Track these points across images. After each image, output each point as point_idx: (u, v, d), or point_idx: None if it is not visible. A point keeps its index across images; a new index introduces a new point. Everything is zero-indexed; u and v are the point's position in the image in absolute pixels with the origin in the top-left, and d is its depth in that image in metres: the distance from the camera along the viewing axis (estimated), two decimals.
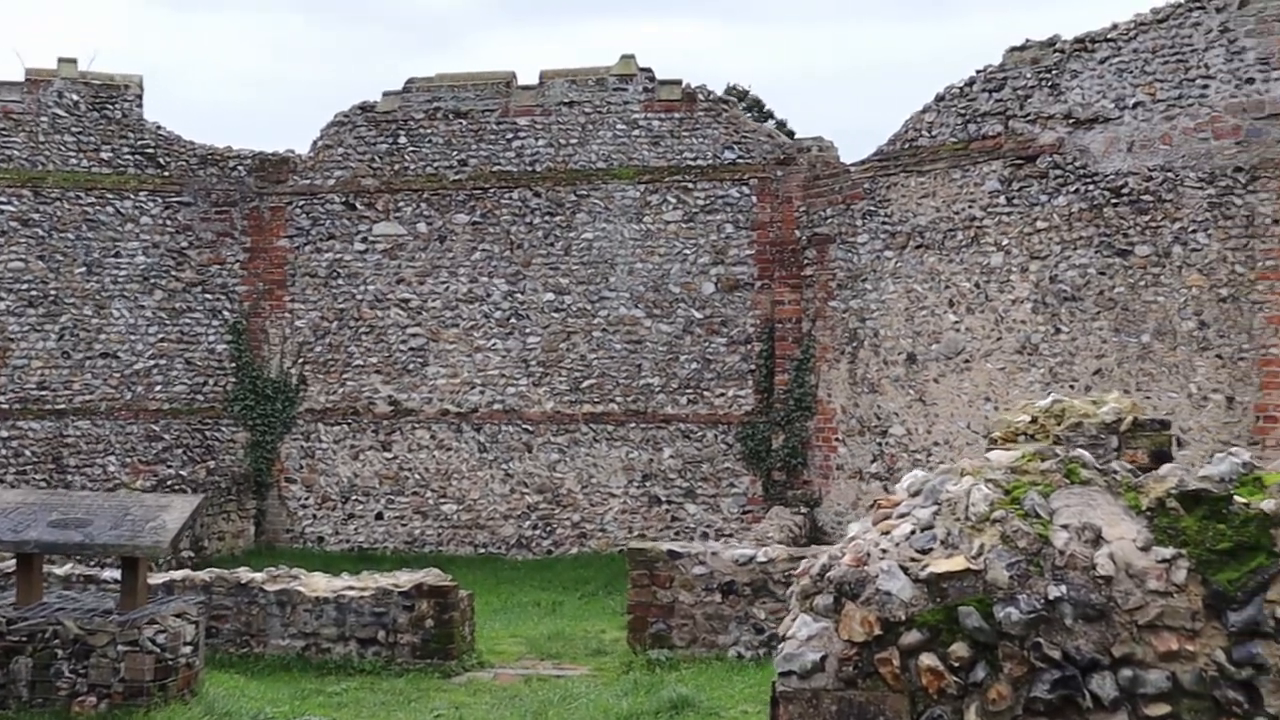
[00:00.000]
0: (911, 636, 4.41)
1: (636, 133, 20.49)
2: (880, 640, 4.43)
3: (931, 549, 4.56)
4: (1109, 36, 16.16)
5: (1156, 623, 4.33)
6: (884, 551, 4.59)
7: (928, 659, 4.38)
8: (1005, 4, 60.30)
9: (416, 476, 20.98)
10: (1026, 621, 4.32)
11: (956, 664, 4.36)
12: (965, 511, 4.61)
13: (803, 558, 11.84)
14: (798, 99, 47.44)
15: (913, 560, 4.53)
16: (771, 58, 54.81)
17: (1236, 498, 4.47)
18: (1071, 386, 16.24)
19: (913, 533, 4.64)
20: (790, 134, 20.96)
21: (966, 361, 17.26)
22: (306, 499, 21.34)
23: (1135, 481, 4.65)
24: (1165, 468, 4.71)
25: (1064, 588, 4.35)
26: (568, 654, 12.79)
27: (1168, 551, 4.39)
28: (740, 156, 20.16)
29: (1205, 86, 15.56)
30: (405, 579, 12.20)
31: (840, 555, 4.68)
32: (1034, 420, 10.20)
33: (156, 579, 12.13)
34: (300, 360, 21.43)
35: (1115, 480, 4.66)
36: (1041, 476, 4.70)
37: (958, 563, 4.47)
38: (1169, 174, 15.67)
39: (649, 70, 20.55)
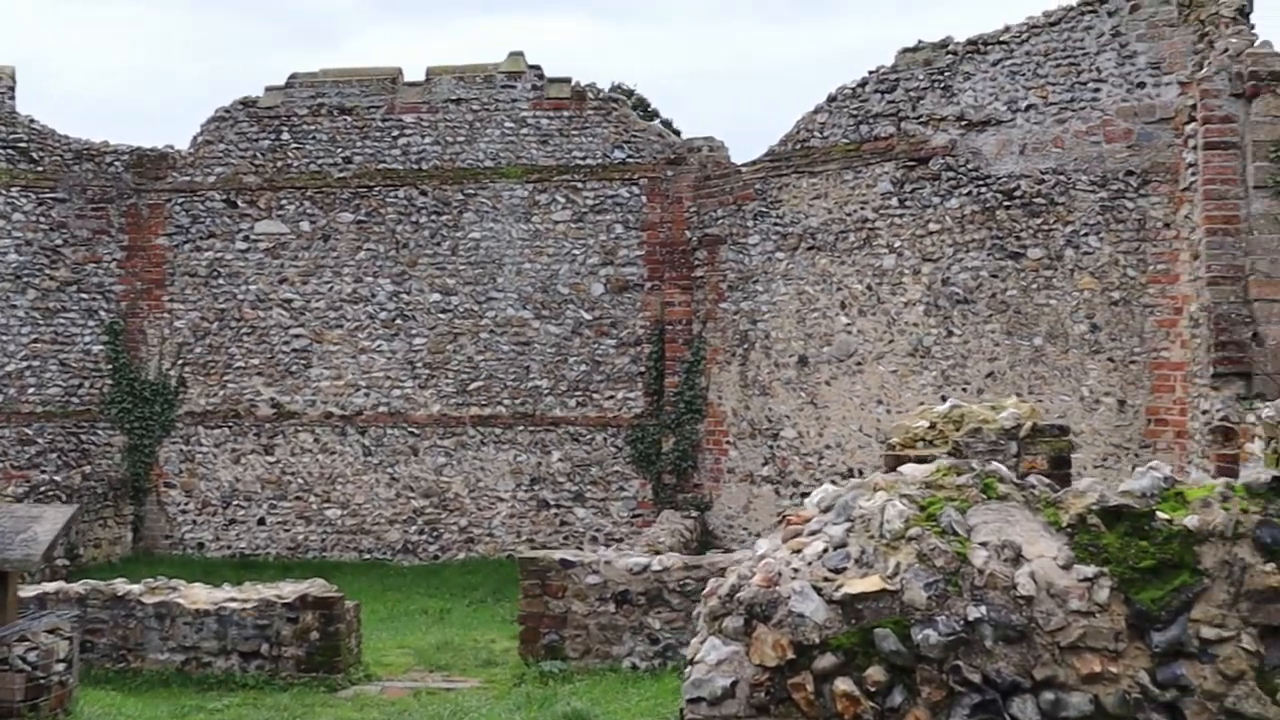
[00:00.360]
0: (826, 660, 4.26)
1: (525, 131, 20.24)
2: (793, 665, 4.28)
3: (845, 568, 4.40)
4: (1001, 39, 16.20)
5: (1079, 644, 4.21)
6: (796, 571, 4.43)
7: (843, 684, 4.23)
8: (880, 8, 60.75)
9: (300, 481, 20.58)
10: (945, 644, 4.18)
11: (873, 689, 4.21)
12: (880, 529, 4.45)
13: (698, 566, 11.72)
14: (682, 99, 47.42)
15: (826, 580, 4.37)
16: (654, 57, 54.76)
17: (1159, 513, 4.37)
18: (964, 389, 16.25)
19: (825, 551, 4.48)
20: (678, 134, 20.78)
21: (858, 364, 17.22)
22: (186, 504, 20.85)
23: (1054, 497, 4.52)
24: (1084, 482, 4.59)
25: (984, 608, 4.21)
26: (457, 665, 12.52)
27: (1089, 570, 4.27)
28: (630, 156, 19.98)
29: (1097, 90, 15.64)
30: (289, 590, 11.87)
31: (750, 575, 4.51)
32: (933, 426, 10.12)
33: (27, 592, 11.68)
34: (180, 362, 20.94)
35: (1033, 495, 4.53)
36: (957, 491, 4.55)
37: (873, 583, 4.32)
38: (1061, 177, 15.73)
39: (538, 68, 20.32)
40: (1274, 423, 10.50)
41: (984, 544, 4.35)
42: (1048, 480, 4.66)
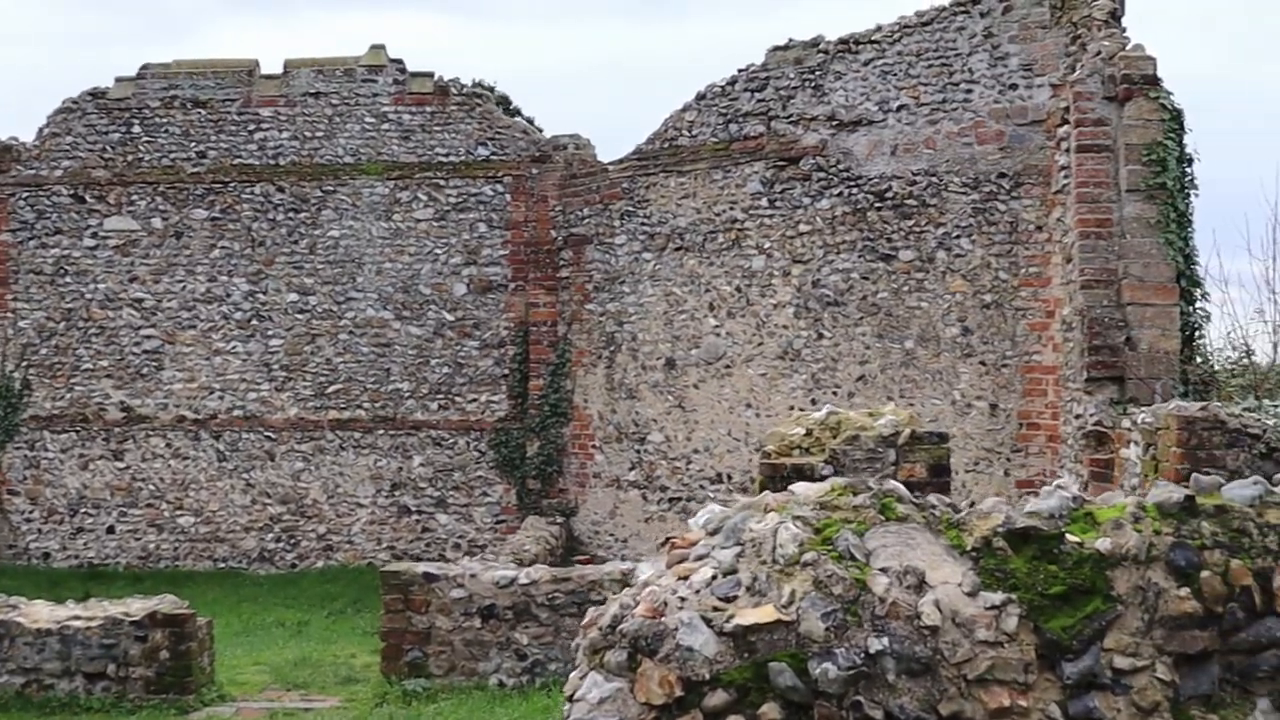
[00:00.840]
0: (717, 698, 3.96)
1: (386, 126, 19.78)
2: (682, 702, 3.97)
3: (736, 596, 4.10)
4: (873, 38, 16.08)
5: (987, 676, 3.96)
6: (683, 600, 4.12)
7: None
8: (746, 6, 60.76)
9: (151, 487, 19.91)
10: (845, 678, 3.91)
11: None
12: (772, 553, 4.16)
13: (567, 579, 11.39)
14: (542, 98, 46.95)
15: (716, 610, 4.07)
16: (512, 55, 54.23)
17: (1069, 536, 4.13)
18: (834, 393, 16.11)
19: (714, 578, 4.18)
20: (541, 132, 20.41)
21: (727, 367, 17.01)
22: (31, 512, 20.08)
23: (957, 518, 4.27)
24: (989, 501, 4.34)
25: (886, 640, 3.95)
26: (316, 683, 12.06)
27: (997, 597, 4.02)
28: (494, 153, 19.60)
29: (969, 91, 15.59)
30: (137, 607, 11.33)
31: (633, 604, 4.19)
32: (809, 433, 9.88)
33: None
34: (24, 364, 20.17)
35: (935, 516, 4.27)
36: (854, 513, 4.27)
37: (767, 613, 4.02)
38: (933, 178, 15.65)
39: (400, 61, 19.86)
40: (1151, 428, 10.42)
41: (885, 570, 4.08)
42: (948, 500, 4.41)
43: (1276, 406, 10.35)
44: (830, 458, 9.52)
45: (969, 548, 4.14)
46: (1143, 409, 11.49)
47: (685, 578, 4.23)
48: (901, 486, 4.41)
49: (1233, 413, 9.88)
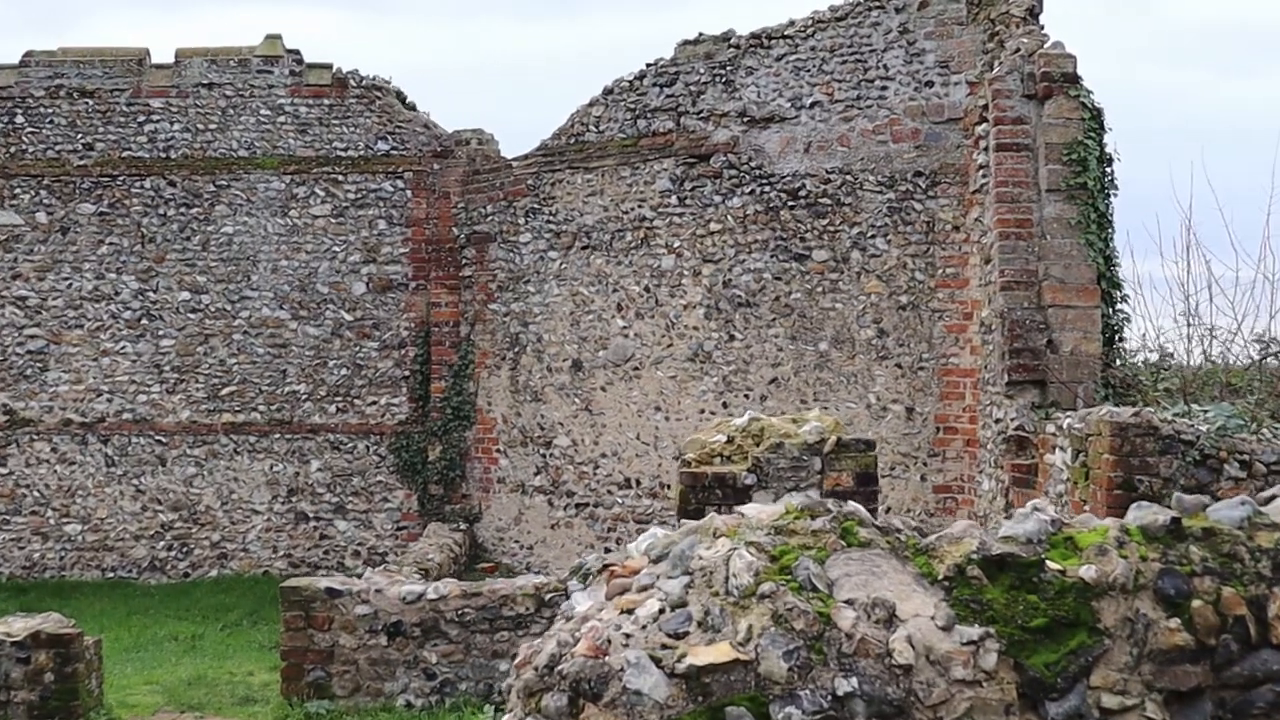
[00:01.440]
0: None
1: (282, 119, 19.24)
2: None
3: (687, 633, 3.73)
4: (786, 33, 15.82)
5: (965, 719, 3.62)
6: (628, 637, 3.74)
7: None
8: (634, 6, 60.46)
9: (35, 494, 19.21)
10: None
11: None
12: (725, 584, 3.80)
13: (478, 594, 10.96)
14: (440, 95, 46.28)
15: (665, 648, 3.69)
16: (410, 51, 53.53)
17: (1049, 563, 3.81)
18: (746, 396, 15.84)
19: (662, 612, 3.80)
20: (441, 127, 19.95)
21: (635, 369, 16.68)
22: None
23: (925, 544, 3.93)
24: (959, 525, 4.00)
25: (855, 680, 3.59)
26: (212, 704, 11.54)
27: (974, 631, 3.68)
28: (395, 148, 19.13)
29: (884, 88, 15.39)
30: (19, 626, 10.72)
31: (573, 641, 3.81)
32: (730, 440, 9.56)
33: None
34: None
35: (900, 541, 3.93)
36: (813, 538, 3.92)
37: (723, 651, 3.66)
38: (847, 176, 15.42)
39: (296, 52, 19.33)
40: (1081, 434, 10.19)
41: (850, 602, 3.73)
42: (914, 524, 4.07)
43: (1207, 412, 10.16)
44: (754, 466, 9.21)
45: (940, 576, 3.81)
46: (1068, 413, 11.29)
47: (629, 611, 3.86)
48: (862, 509, 4.07)
49: (1165, 419, 9.68)
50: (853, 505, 4.11)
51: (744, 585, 3.77)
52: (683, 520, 8.92)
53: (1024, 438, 12.81)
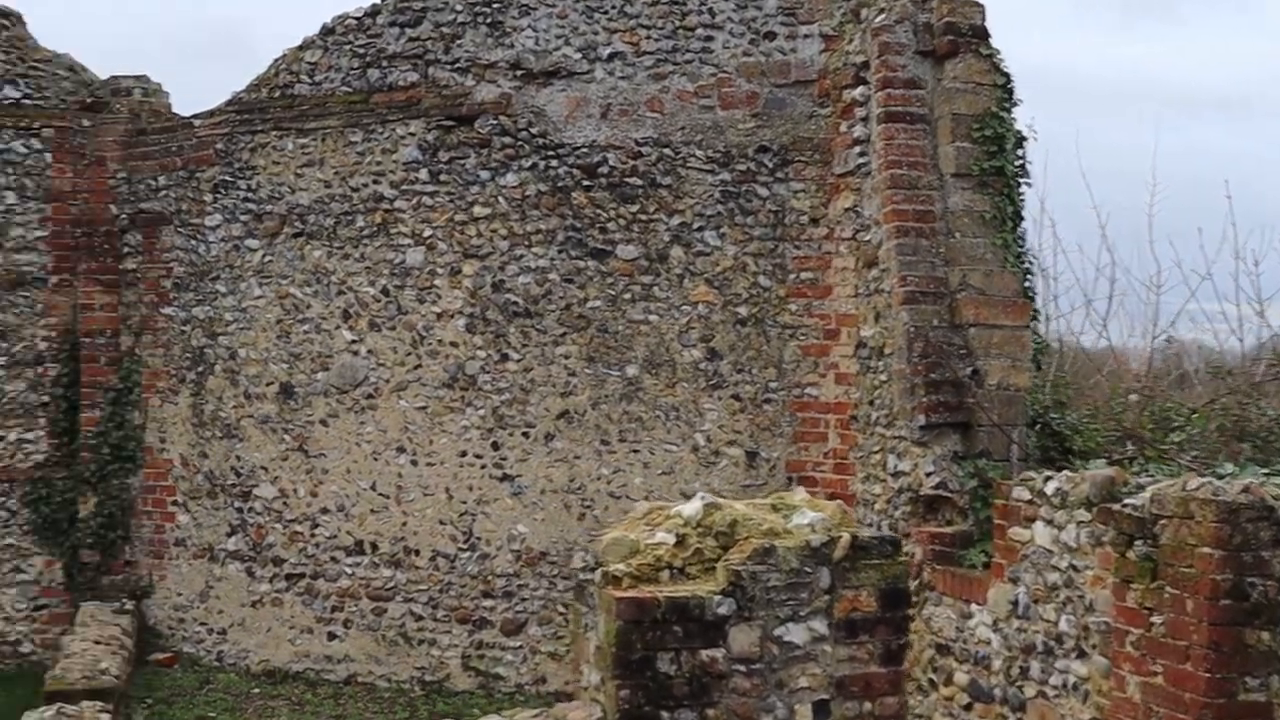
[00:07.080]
0: None
1: None
2: None
3: None
4: None
5: None
6: None
7: None
8: None
9: None
10: None
11: None
12: None
13: None
14: (86, 39, 40.97)
15: None
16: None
17: None
18: (525, 435, 13.10)
19: None
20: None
21: (370, 397, 13.66)
22: None
23: None
24: None
25: None
26: None
27: None
28: (29, 95, 15.50)
29: (709, 39, 13.07)
30: None
31: None
32: (681, 541, 6.63)
33: None
34: None
35: None
36: None
37: None
38: (665, 150, 12.91)
39: None
40: (1144, 515, 7.64)
41: None
42: None
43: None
44: (731, 584, 6.33)
45: None
46: (1054, 474, 8.80)
47: None
48: None
49: (1276, 495, 7.26)
50: None
51: None
52: (619, 688, 6.01)
53: (943, 498, 10.41)
